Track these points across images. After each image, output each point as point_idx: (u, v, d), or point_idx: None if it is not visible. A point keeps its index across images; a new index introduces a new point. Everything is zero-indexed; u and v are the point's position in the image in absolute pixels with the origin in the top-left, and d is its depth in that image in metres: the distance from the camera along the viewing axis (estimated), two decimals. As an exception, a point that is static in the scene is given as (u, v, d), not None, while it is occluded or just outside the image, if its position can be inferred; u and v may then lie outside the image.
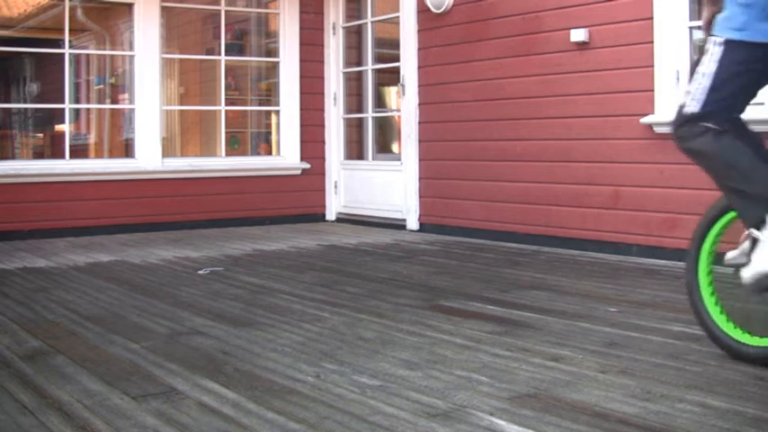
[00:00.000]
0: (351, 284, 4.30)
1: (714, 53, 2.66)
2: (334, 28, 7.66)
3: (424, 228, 6.65)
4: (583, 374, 2.58)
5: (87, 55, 9.93)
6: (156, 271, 4.86)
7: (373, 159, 7.44)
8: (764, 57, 2.61)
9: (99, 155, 9.20)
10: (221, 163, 7.40)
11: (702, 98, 2.68)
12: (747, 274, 2.63)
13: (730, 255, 2.74)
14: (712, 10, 2.79)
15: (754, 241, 2.61)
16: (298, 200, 7.56)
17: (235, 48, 8.37)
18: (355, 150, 7.80)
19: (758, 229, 2.61)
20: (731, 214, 2.82)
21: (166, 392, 2.44)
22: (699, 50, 3.08)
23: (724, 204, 2.85)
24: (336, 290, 4.15)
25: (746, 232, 2.66)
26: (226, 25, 7.55)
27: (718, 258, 2.86)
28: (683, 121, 2.73)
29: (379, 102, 7.86)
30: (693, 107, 2.70)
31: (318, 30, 7.68)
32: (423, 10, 6.58)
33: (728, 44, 2.63)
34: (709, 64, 2.67)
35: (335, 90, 7.67)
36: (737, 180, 2.66)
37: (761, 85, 2.72)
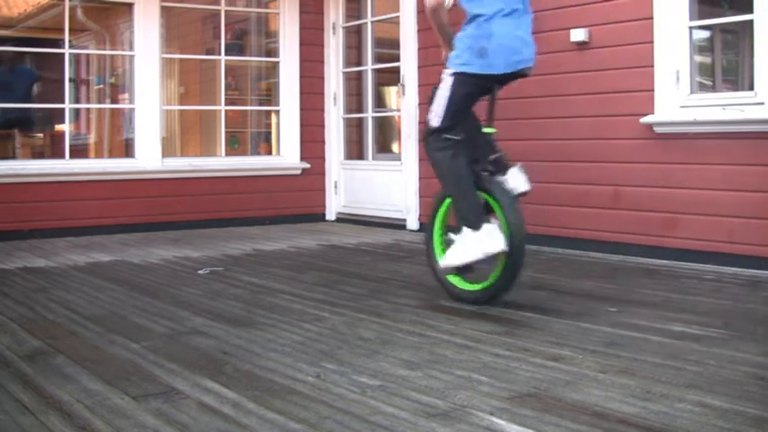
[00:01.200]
0: (351, 284, 4.30)
1: (448, 82, 3.71)
2: (334, 28, 7.66)
3: (424, 228, 6.64)
4: (583, 374, 2.58)
5: (87, 55, 9.94)
6: (156, 271, 4.86)
7: (373, 159, 7.44)
8: (479, 83, 3.69)
9: (99, 155, 9.21)
10: (221, 163, 7.40)
11: (443, 115, 3.72)
12: (442, 263, 3.79)
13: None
14: (447, 50, 3.89)
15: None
16: (298, 200, 7.55)
17: (235, 48, 8.37)
18: (355, 150, 7.80)
19: (456, 232, 3.69)
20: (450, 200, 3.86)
21: (166, 392, 2.44)
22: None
23: (445, 193, 3.90)
24: (336, 290, 4.15)
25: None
26: (226, 25, 7.54)
27: (446, 229, 3.93)
28: (431, 132, 3.77)
29: (379, 102, 7.87)
30: (437, 122, 3.74)
31: (318, 30, 7.68)
32: (423, 10, 6.56)
33: (456, 75, 3.69)
34: (445, 90, 3.71)
35: (335, 90, 7.67)
36: (456, 196, 3.71)
37: (472, 105, 3.82)
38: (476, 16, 3.67)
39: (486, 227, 3.60)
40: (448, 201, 3.88)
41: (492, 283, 3.67)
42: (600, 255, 5.20)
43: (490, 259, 3.64)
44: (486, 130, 3.84)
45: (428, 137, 3.81)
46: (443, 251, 3.85)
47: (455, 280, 3.83)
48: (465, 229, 3.65)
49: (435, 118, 3.75)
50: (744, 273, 4.48)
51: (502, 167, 3.83)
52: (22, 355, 2.90)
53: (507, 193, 3.70)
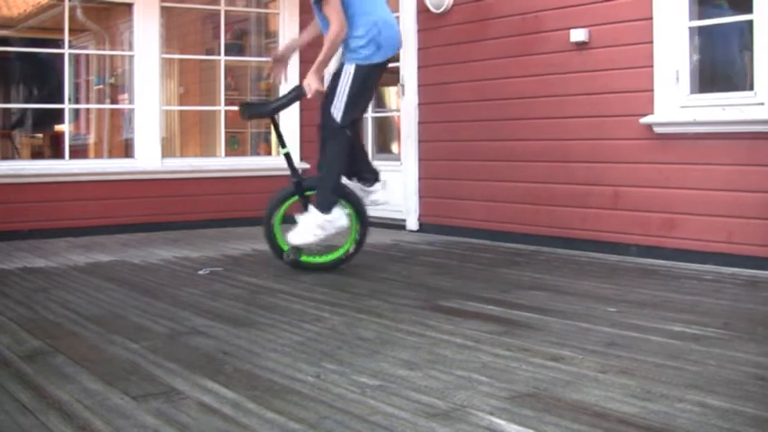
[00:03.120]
0: (351, 284, 4.30)
1: (350, 75, 4.37)
2: (333, 28, 7.65)
3: (423, 228, 6.65)
4: (583, 374, 2.58)
5: (87, 55, 9.94)
6: (156, 271, 4.86)
7: (373, 159, 7.42)
8: (378, 73, 4.48)
9: (99, 155, 9.21)
10: (221, 163, 7.40)
11: (347, 111, 4.40)
12: (289, 239, 4.54)
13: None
14: (322, 71, 4.48)
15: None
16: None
17: (235, 48, 8.37)
18: (355, 150, 7.78)
19: (304, 210, 4.56)
20: (293, 198, 4.74)
21: (166, 392, 2.44)
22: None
23: (289, 191, 4.74)
24: (336, 290, 4.15)
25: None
26: (225, 25, 7.54)
27: (285, 218, 4.77)
28: (337, 127, 4.43)
29: (379, 102, 7.86)
30: (341, 117, 4.41)
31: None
32: (423, 10, 6.58)
33: (360, 68, 4.36)
34: (345, 86, 4.36)
35: (335, 90, 7.65)
36: (329, 182, 4.50)
37: (370, 98, 4.76)
38: (360, 14, 4.40)
39: (336, 210, 4.51)
40: (292, 199, 4.75)
41: (342, 255, 4.76)
42: (599, 255, 5.20)
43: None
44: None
45: (332, 131, 4.46)
46: (281, 237, 4.73)
47: (306, 258, 4.75)
48: (314, 210, 4.47)
49: (338, 114, 4.41)
50: (743, 273, 4.48)
51: (372, 179, 4.77)
52: (22, 355, 2.90)
53: (363, 203, 4.73)
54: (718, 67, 5.15)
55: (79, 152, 8.97)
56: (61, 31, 6.88)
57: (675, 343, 2.98)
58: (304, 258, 4.74)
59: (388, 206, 6.99)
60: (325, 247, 4.85)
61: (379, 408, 2.28)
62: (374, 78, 4.54)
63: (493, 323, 3.35)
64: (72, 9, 7.56)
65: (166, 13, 7.49)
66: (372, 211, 7.28)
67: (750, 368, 2.64)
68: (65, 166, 6.75)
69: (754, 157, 4.56)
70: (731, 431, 2.08)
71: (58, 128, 9.23)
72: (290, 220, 4.70)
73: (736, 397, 2.35)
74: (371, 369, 2.67)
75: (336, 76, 4.55)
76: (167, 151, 7.48)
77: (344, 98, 4.41)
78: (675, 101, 4.90)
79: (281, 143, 4.92)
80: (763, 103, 4.51)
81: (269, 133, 8.36)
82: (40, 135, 10.12)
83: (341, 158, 4.52)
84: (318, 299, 3.92)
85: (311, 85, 4.49)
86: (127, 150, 8.16)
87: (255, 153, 8.52)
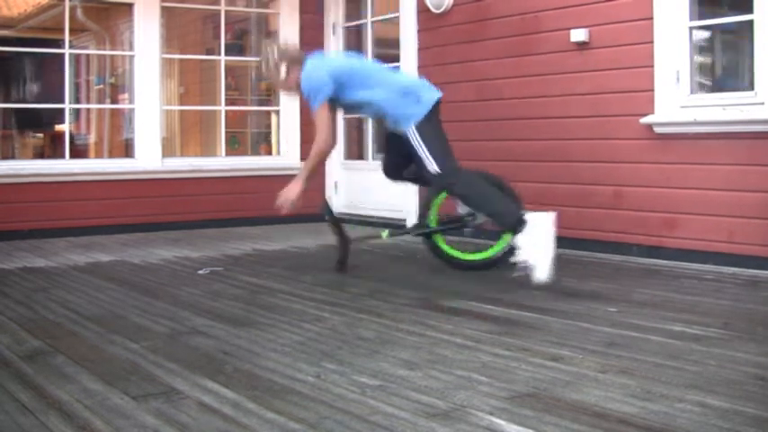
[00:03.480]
0: (351, 284, 4.30)
1: (417, 134, 4.31)
2: (334, 28, 7.66)
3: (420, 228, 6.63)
4: (583, 374, 2.58)
5: (87, 55, 9.94)
6: (156, 271, 4.86)
7: (373, 159, 7.44)
8: (433, 119, 4.39)
9: (99, 155, 9.22)
10: (221, 163, 7.40)
11: (438, 158, 4.32)
12: (538, 278, 4.07)
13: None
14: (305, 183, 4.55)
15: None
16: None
17: (235, 48, 8.38)
18: (355, 150, 7.80)
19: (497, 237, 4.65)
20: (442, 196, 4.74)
21: (166, 392, 2.44)
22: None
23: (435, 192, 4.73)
24: (336, 290, 4.15)
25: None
26: (226, 25, 7.54)
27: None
28: (448, 176, 4.32)
29: (379, 102, 7.85)
30: (441, 168, 4.30)
31: (318, 30, 7.68)
32: (423, 10, 6.58)
33: (418, 125, 4.32)
34: (420, 146, 4.31)
35: (335, 90, 7.66)
36: (489, 203, 4.39)
37: (444, 135, 4.44)
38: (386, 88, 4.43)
39: (525, 213, 4.21)
40: (441, 197, 4.71)
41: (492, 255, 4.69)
42: (600, 255, 5.20)
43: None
44: None
45: (449, 184, 4.37)
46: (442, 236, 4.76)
47: (453, 251, 4.78)
48: (515, 235, 4.18)
49: (437, 166, 4.31)
50: (744, 273, 4.48)
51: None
52: (22, 355, 2.90)
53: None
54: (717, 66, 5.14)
55: (80, 152, 8.97)
56: (61, 31, 6.88)
57: (676, 343, 2.98)
58: (456, 254, 4.72)
59: (388, 206, 7.02)
60: (474, 245, 4.85)
61: (379, 408, 2.28)
62: (435, 120, 4.41)
63: (493, 323, 3.35)
64: (72, 9, 7.56)
65: (167, 12, 7.49)
66: (372, 211, 7.31)
67: (750, 368, 2.64)
68: (65, 166, 6.75)
69: (754, 156, 4.56)
70: (731, 431, 2.08)
71: (58, 128, 9.24)
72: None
73: (737, 397, 2.34)
74: (371, 369, 2.67)
75: (396, 138, 4.49)
76: (168, 151, 7.48)
77: (429, 154, 4.31)
78: (676, 101, 4.90)
79: (390, 233, 4.93)
80: (763, 103, 4.51)
81: (269, 133, 8.37)
82: (41, 135, 10.13)
83: (481, 186, 4.39)
84: (318, 299, 3.92)
85: (289, 194, 4.44)
86: (127, 150, 8.16)
87: (256, 153, 8.52)
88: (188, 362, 2.78)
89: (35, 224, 6.47)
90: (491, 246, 4.68)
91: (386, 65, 4.90)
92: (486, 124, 6.11)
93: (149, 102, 6.98)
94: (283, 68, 4.46)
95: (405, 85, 4.51)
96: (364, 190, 7.35)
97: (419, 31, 6.65)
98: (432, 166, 4.31)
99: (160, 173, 7.00)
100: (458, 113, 6.34)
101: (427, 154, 4.31)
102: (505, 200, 4.40)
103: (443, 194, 4.71)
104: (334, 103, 4.47)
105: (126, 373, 2.65)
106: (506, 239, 4.52)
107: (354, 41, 7.74)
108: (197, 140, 9.14)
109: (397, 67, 6.67)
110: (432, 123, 4.37)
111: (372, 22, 7.44)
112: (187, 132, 9.19)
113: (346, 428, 2.12)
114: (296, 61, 4.48)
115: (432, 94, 4.46)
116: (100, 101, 10.15)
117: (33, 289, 4.27)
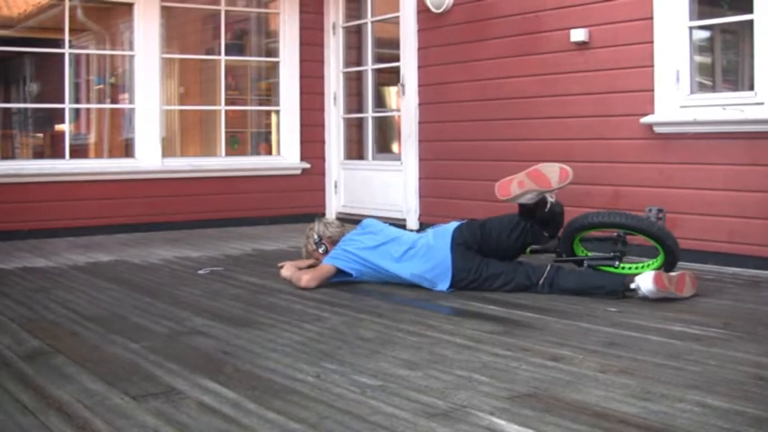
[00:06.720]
0: (351, 284, 4.29)
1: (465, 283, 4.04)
2: (334, 28, 7.66)
3: (424, 227, 6.64)
4: (583, 374, 2.58)
5: (87, 55, 9.93)
6: (156, 271, 4.86)
7: (373, 159, 7.44)
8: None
9: (99, 155, 9.20)
10: (221, 163, 7.40)
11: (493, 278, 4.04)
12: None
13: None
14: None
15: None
16: (298, 199, 7.55)
17: (235, 48, 8.36)
18: (355, 150, 7.79)
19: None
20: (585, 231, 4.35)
21: (166, 392, 2.44)
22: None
23: (582, 223, 4.30)
24: (336, 290, 4.15)
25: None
26: (226, 25, 7.55)
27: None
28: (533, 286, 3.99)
29: (379, 102, 7.86)
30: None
31: (318, 30, 7.68)
32: (423, 10, 6.58)
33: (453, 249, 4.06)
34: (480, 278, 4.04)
35: (335, 90, 7.67)
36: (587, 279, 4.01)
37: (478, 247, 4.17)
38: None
39: (632, 279, 3.85)
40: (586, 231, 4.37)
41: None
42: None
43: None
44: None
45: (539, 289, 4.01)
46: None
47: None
48: (640, 283, 3.78)
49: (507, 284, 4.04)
50: (744, 273, 4.48)
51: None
52: (22, 355, 2.90)
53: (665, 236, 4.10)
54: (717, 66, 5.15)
55: (79, 152, 8.95)
56: (61, 30, 6.88)
57: (675, 343, 2.98)
58: (609, 270, 4.25)
59: (389, 205, 7.02)
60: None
61: (379, 408, 2.28)
62: (460, 262, 4.07)
63: (493, 323, 3.35)
64: (72, 9, 7.55)
65: (167, 12, 7.48)
66: (372, 211, 7.31)
67: (750, 368, 2.64)
68: (65, 166, 6.75)
69: (754, 156, 4.56)
70: (731, 431, 2.08)
71: (58, 127, 9.22)
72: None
73: (737, 397, 2.34)
74: (371, 369, 2.67)
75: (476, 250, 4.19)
76: (168, 151, 7.47)
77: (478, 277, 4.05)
78: (676, 101, 4.90)
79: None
80: (763, 103, 4.51)
81: (269, 133, 8.36)
82: (41, 135, 10.11)
83: (567, 277, 3.99)
84: (318, 299, 3.92)
85: (284, 271, 4.33)
86: (127, 150, 8.14)
87: (256, 153, 8.51)
88: (188, 362, 2.78)
89: (35, 224, 6.47)
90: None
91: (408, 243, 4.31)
92: (486, 124, 6.11)
93: (149, 102, 6.98)
94: (321, 250, 4.41)
95: (418, 273, 4.13)
96: (364, 190, 7.35)
97: (419, 31, 6.65)
98: (506, 285, 4.03)
99: (160, 173, 7.00)
100: (458, 113, 6.35)
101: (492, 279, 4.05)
102: (600, 274, 4.10)
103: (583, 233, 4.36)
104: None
105: (126, 373, 2.65)
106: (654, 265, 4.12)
107: (354, 41, 7.74)
108: (197, 140, 9.12)
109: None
110: (460, 267, 4.05)
111: (372, 22, 7.44)
112: (187, 132, 9.17)
113: (346, 428, 2.12)
114: (333, 242, 4.39)
115: (443, 231, 4.19)
116: (100, 101, 10.13)
117: (33, 289, 4.27)
